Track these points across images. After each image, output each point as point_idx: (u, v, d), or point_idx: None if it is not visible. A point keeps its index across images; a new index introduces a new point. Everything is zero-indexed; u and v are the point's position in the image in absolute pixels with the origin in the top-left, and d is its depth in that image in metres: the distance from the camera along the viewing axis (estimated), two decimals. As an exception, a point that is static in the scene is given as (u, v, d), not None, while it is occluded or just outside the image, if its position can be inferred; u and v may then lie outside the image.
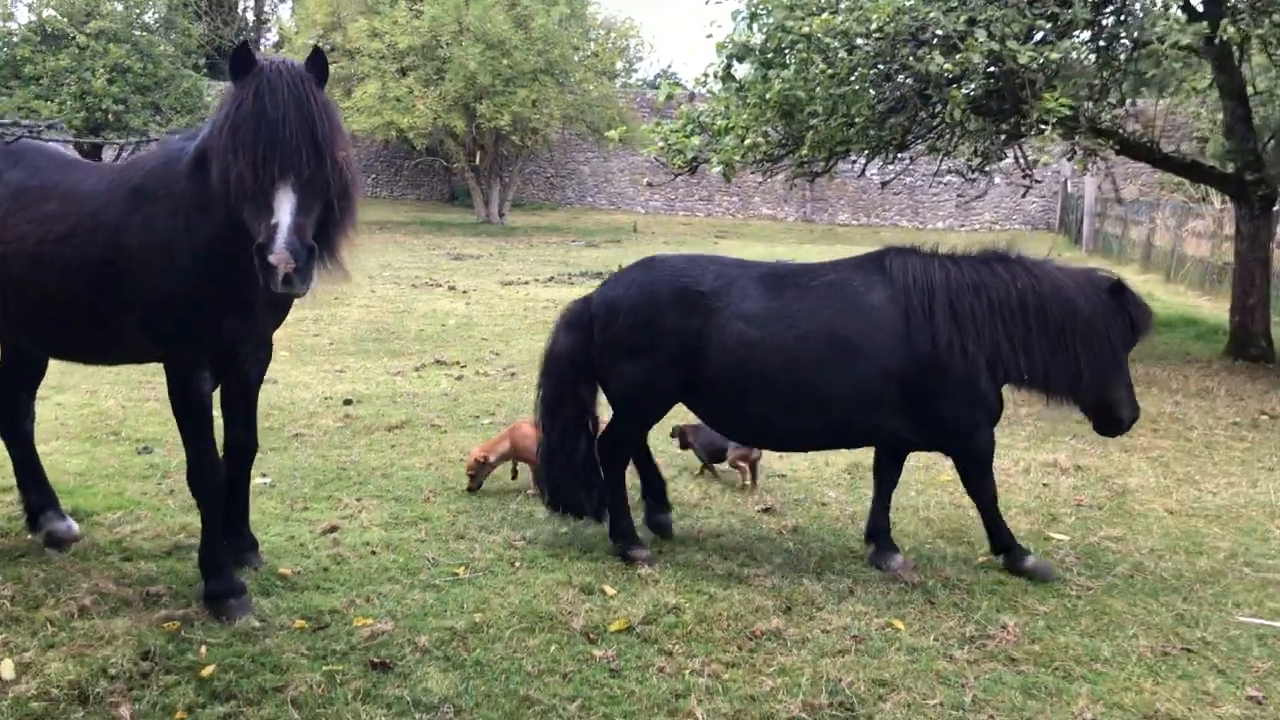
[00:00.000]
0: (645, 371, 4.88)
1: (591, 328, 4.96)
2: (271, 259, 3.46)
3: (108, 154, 27.14)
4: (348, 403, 7.99)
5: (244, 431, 4.51)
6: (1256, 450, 7.28)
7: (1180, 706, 3.72)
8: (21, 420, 4.98)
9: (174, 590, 4.39)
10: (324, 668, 3.79)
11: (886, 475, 5.11)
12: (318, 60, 3.74)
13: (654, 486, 5.36)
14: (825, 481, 6.25)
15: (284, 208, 3.52)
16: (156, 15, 32.49)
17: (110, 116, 28.92)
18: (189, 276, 3.92)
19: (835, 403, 4.78)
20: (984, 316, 4.72)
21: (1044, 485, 6.26)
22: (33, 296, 4.15)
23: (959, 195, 35.69)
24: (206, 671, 3.72)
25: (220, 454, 4.32)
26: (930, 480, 6.29)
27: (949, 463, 6.56)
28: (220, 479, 4.23)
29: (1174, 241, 22.04)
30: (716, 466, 6.26)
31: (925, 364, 4.70)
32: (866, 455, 6.68)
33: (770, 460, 6.34)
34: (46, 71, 28.68)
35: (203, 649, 3.88)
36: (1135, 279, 21.09)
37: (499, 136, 29.42)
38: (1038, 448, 7.03)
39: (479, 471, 5.81)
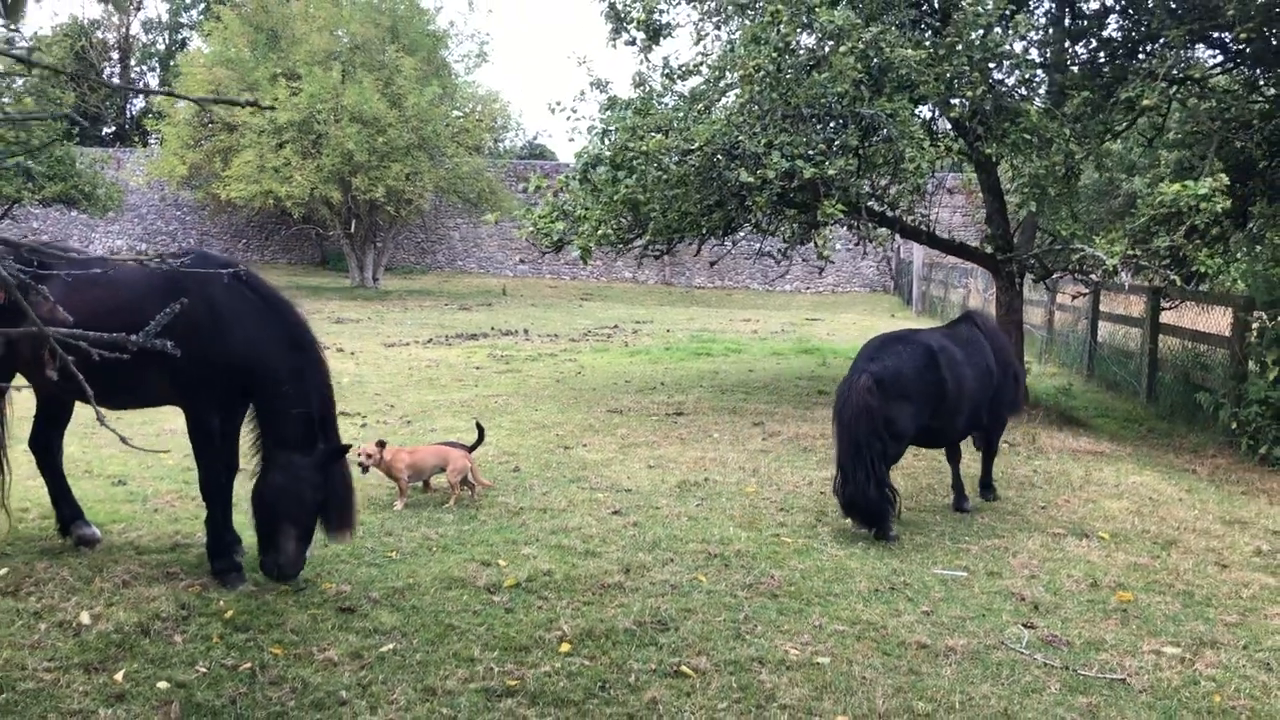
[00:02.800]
0: (918, 409, 7.34)
1: (880, 390, 7.14)
2: None
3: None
4: (275, 446, 9.62)
5: (232, 457, 6.24)
6: (989, 468, 9.58)
7: (877, 617, 5.77)
8: (55, 454, 6.59)
9: (185, 570, 6.07)
10: (308, 612, 5.55)
11: (958, 456, 8.21)
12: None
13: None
14: (660, 493, 8.24)
15: None
16: (27, 84, 33.08)
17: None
18: (209, 352, 5.64)
19: (980, 409, 7.91)
20: (1008, 355, 8.36)
21: (821, 493, 8.38)
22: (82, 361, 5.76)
23: (804, 261, 38.80)
24: (229, 614, 5.45)
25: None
26: (738, 490, 8.36)
27: (753, 479, 8.65)
28: (224, 486, 5.96)
29: (983, 304, 25.12)
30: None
31: (997, 381, 8.01)
32: (694, 474, 8.74)
33: (620, 477, 8.37)
34: None
35: (221, 602, 5.60)
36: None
37: (374, 206, 31.03)
38: (822, 469, 9.17)
39: (367, 460, 7.55)
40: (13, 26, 2.23)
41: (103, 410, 2.85)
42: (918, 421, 7.40)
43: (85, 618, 5.35)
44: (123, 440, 2.64)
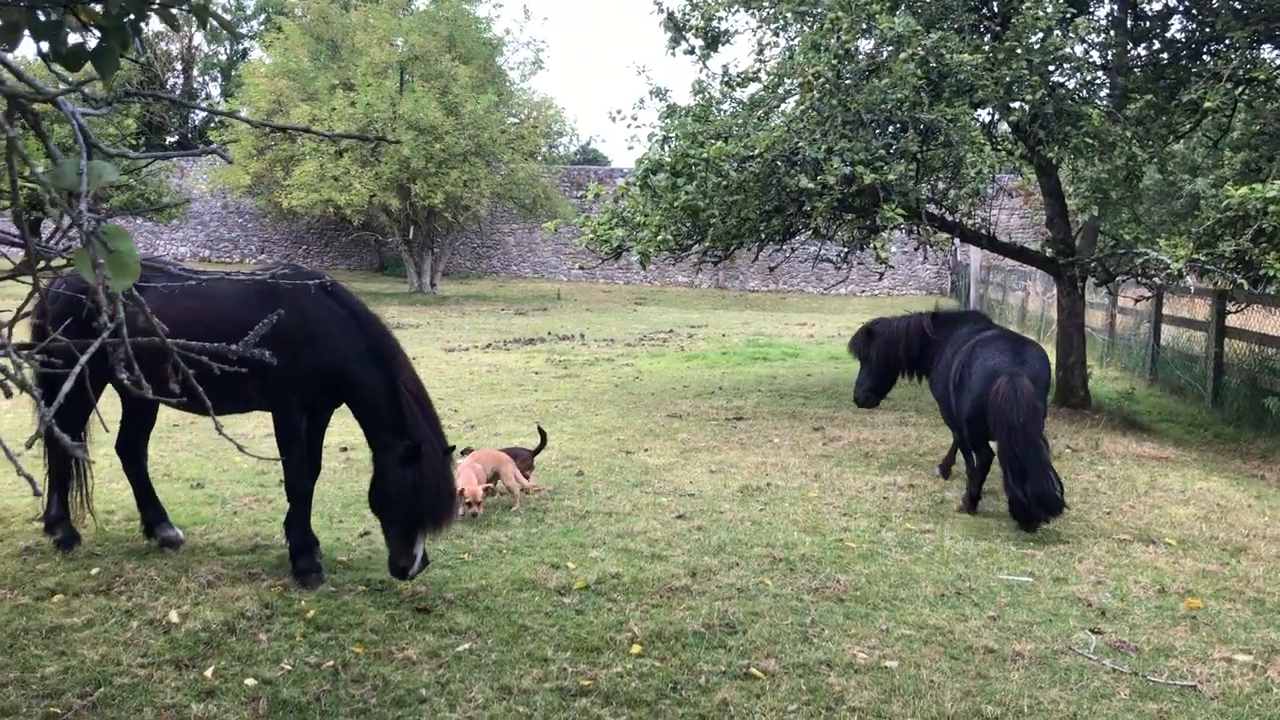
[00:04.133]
0: (1045, 408, 7.99)
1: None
2: None
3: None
4: (344, 450, 9.86)
5: (314, 458, 6.42)
6: (1052, 473, 9.54)
7: (944, 622, 5.81)
8: (140, 458, 6.83)
9: (266, 571, 6.27)
10: (386, 612, 5.72)
11: None
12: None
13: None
14: (722, 498, 8.33)
15: None
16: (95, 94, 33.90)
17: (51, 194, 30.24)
18: (298, 360, 5.82)
19: None
20: None
21: (884, 498, 8.42)
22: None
23: (860, 264, 38.52)
24: (310, 614, 5.62)
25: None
26: (801, 495, 8.42)
27: (815, 484, 8.70)
28: (309, 488, 6.16)
29: (1042, 307, 24.84)
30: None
31: None
32: (756, 479, 8.81)
33: (682, 481, 8.49)
34: None
35: (303, 602, 5.78)
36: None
37: (432, 212, 31.43)
38: (884, 473, 9.20)
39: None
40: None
41: (172, 411, 2.99)
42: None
43: (174, 616, 5.56)
44: (240, 449, 2.78)
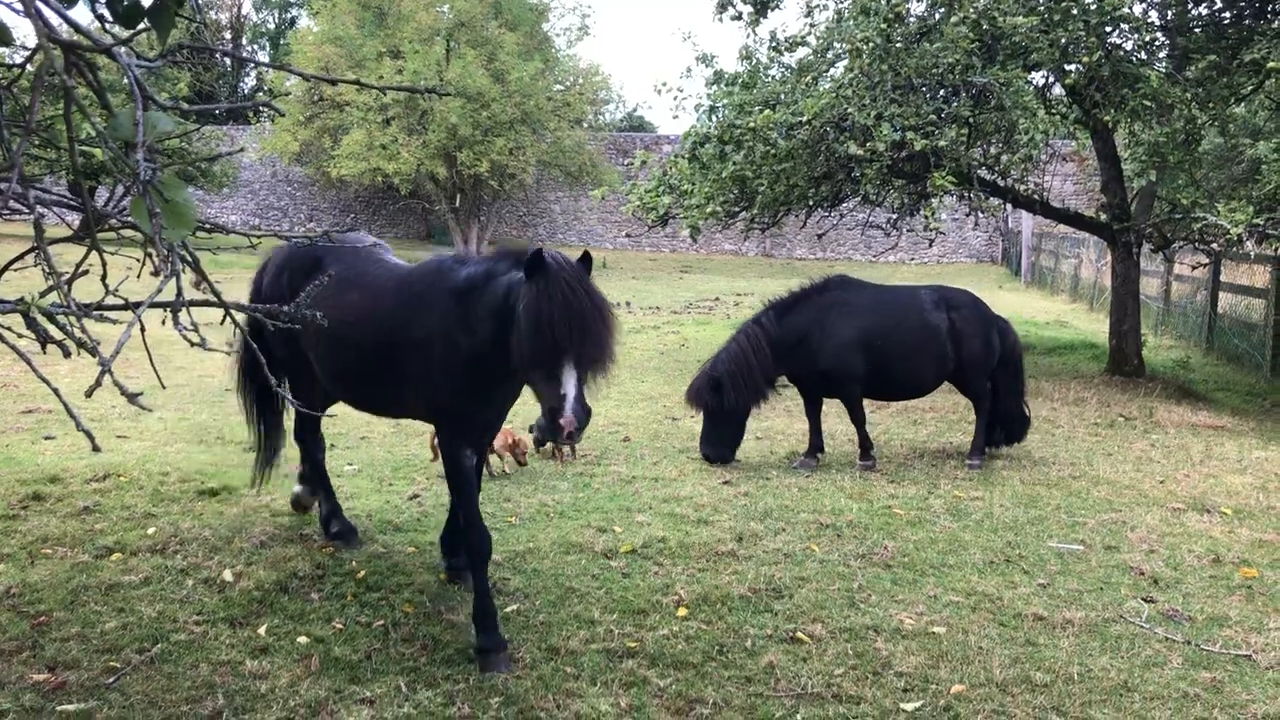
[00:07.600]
0: None
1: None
2: (561, 421, 4.43)
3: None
4: (393, 415, 9.94)
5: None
6: (1104, 443, 9.42)
7: (992, 589, 5.77)
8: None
9: (318, 533, 6.36)
10: (435, 573, 5.78)
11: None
12: (586, 259, 4.79)
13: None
14: (769, 464, 8.33)
15: (570, 381, 4.46)
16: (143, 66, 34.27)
17: (105, 163, 30.73)
18: (447, 370, 5.07)
19: None
20: None
21: (932, 465, 8.37)
22: (337, 363, 5.56)
23: (909, 231, 38.02)
24: (361, 574, 5.70)
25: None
26: (848, 461, 8.39)
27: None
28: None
29: (1095, 275, 24.43)
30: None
31: None
32: (802, 446, 8.79)
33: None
34: (44, 119, 30.38)
35: (353, 563, 5.86)
36: (1064, 308, 23.52)
37: (478, 180, 31.49)
38: (932, 441, 9.13)
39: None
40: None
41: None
42: None
43: (228, 575, 5.66)
44: (293, 403, 2.80)
